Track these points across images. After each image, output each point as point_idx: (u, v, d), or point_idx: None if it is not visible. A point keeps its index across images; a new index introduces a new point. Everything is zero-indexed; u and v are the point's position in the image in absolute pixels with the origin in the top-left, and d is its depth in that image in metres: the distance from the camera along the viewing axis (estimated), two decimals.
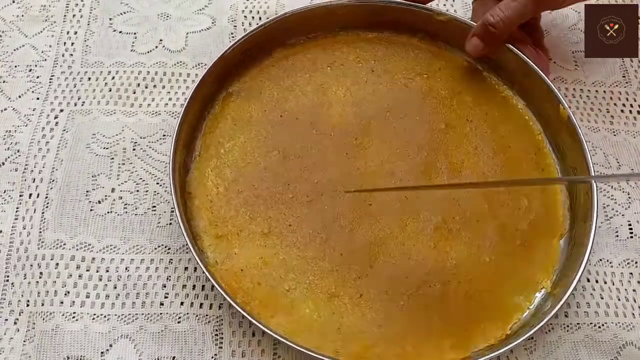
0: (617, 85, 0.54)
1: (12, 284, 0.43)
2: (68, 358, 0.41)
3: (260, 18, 0.56)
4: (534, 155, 0.49)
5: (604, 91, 0.54)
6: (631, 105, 0.53)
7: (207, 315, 0.42)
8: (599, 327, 0.43)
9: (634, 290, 0.45)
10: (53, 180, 0.47)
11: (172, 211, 0.46)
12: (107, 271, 0.44)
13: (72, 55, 0.53)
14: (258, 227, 0.44)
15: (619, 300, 0.44)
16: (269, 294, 0.42)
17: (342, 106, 0.50)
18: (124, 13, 0.56)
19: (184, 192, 0.45)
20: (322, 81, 0.51)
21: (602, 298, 0.44)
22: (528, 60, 0.49)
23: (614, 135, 0.51)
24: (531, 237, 0.45)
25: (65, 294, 0.43)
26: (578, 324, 0.43)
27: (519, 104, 0.51)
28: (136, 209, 0.46)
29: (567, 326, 0.43)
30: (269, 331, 0.39)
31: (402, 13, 0.52)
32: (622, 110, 0.53)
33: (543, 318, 0.40)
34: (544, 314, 0.41)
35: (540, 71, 0.49)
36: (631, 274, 0.46)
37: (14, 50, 0.53)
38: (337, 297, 0.42)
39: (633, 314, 0.44)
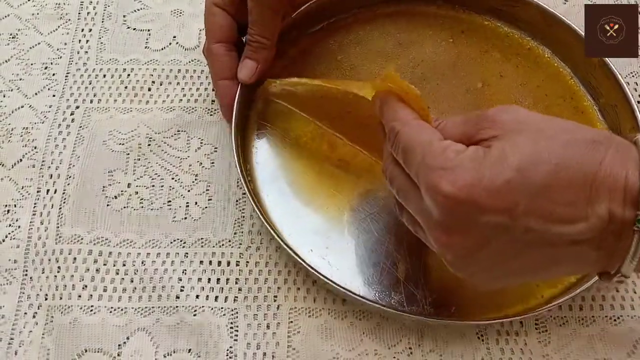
0: (633, 76, 0.54)
1: (30, 278, 0.44)
2: (86, 351, 0.42)
3: None
4: (571, 100, 0.50)
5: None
6: None
7: (222, 308, 0.43)
8: (615, 320, 0.43)
9: None
10: (70, 176, 0.48)
11: (187, 206, 0.47)
12: (124, 265, 0.44)
13: (87, 52, 0.54)
14: None
15: (635, 293, 0.44)
16: None
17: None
18: (138, 10, 0.56)
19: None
20: (352, 63, 0.51)
21: (617, 291, 0.44)
22: (547, 7, 0.50)
23: None
24: None
25: (83, 288, 0.43)
26: (593, 317, 0.43)
27: (546, 53, 0.52)
28: (152, 203, 0.47)
29: (582, 319, 0.43)
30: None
31: None
32: (639, 102, 0.52)
33: None
34: None
35: (562, 17, 0.50)
36: None
37: (30, 48, 0.54)
38: None
39: None
